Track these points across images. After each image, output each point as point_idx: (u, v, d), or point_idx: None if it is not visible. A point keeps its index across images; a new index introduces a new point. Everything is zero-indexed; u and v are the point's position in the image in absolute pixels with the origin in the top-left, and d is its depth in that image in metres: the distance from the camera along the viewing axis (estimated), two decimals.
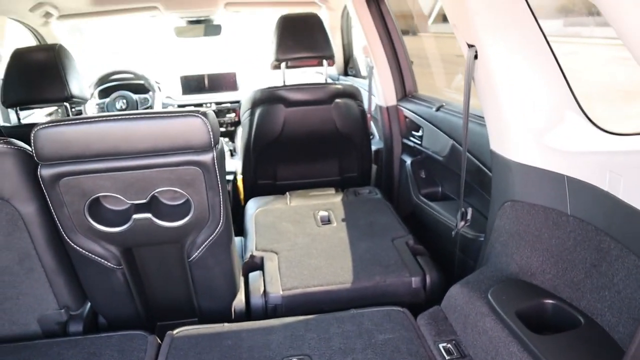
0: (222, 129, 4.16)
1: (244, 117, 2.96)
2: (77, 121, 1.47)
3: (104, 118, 1.49)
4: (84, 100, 2.70)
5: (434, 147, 2.63)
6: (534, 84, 1.56)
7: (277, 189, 3.00)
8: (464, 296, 1.64)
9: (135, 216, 1.62)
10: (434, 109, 2.62)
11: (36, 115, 3.66)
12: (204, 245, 1.73)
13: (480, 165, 2.11)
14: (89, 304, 1.87)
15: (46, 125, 1.46)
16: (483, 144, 2.07)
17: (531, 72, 1.55)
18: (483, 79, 1.66)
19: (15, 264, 1.66)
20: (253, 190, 3.04)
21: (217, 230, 1.70)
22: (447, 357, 1.54)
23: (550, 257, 1.52)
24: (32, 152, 1.49)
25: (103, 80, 4.05)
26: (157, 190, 1.59)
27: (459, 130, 2.34)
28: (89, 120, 1.48)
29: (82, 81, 2.67)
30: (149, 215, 1.62)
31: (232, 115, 4.19)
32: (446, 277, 2.04)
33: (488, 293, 1.55)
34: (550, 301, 1.46)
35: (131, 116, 1.50)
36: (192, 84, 4.21)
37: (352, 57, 4.33)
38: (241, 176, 3.20)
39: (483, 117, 2.11)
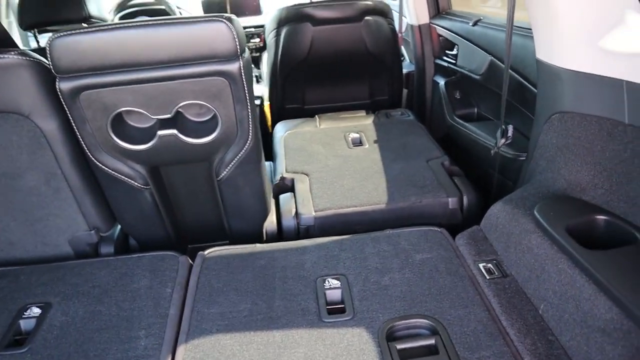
0: None
1: (269, 38, 2.84)
2: (94, 29, 1.39)
3: (122, 25, 1.40)
4: (103, 22, 2.61)
5: (470, 66, 2.48)
6: None
7: (306, 113, 2.91)
8: (506, 214, 1.56)
9: (160, 132, 1.55)
10: (470, 24, 2.46)
11: None
12: (232, 163, 1.66)
13: (523, 81, 1.97)
14: (119, 226, 1.85)
15: (62, 34, 1.37)
16: (526, 57, 1.94)
17: None
18: None
19: (42, 184, 1.63)
20: (280, 116, 2.96)
21: (245, 146, 1.63)
22: (487, 277, 1.48)
23: (602, 171, 1.42)
24: (49, 65, 1.42)
25: (122, 5, 3.92)
26: (181, 104, 1.51)
27: (499, 44, 2.19)
28: (106, 27, 1.39)
29: (100, 1, 2.57)
30: (174, 131, 1.55)
31: (257, 40, 4.05)
32: (484, 198, 1.96)
33: (534, 210, 1.47)
34: (602, 217, 1.37)
35: (151, 23, 1.41)
36: (214, 8, 4.06)
37: None
38: (268, 102, 3.11)
39: (525, 28, 1.97)
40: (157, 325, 1.39)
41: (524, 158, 1.87)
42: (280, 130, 2.60)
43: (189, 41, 1.41)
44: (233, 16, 1.45)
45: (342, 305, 1.42)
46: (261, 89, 3.37)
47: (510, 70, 2.02)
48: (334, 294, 1.46)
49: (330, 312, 1.39)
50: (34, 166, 1.59)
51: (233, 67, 1.46)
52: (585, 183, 1.46)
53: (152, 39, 1.40)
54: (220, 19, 1.40)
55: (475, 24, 2.43)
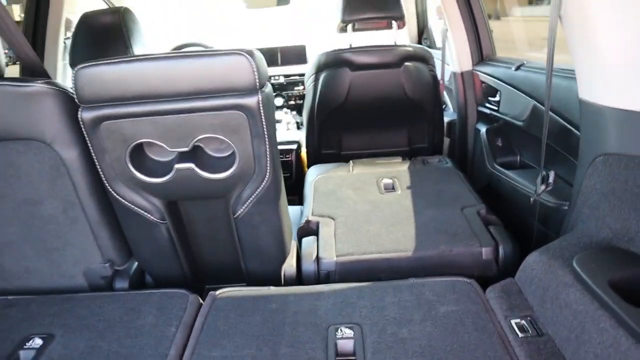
0: (291, 102, 4.01)
1: (308, 83, 2.82)
2: (116, 61, 1.38)
3: (143, 57, 1.39)
4: None
5: (513, 112, 2.36)
6: (636, 12, 1.29)
7: (342, 159, 2.83)
8: (543, 265, 1.40)
9: (177, 166, 1.51)
10: (513, 69, 2.35)
11: None
12: (249, 201, 1.59)
13: (565, 124, 1.84)
14: (136, 262, 1.80)
15: (87, 65, 1.39)
16: (569, 99, 1.81)
17: None
18: (573, 14, 1.40)
19: (60, 213, 1.61)
20: (317, 161, 2.90)
21: (263, 183, 1.56)
22: (520, 335, 1.32)
23: None
24: (73, 94, 1.42)
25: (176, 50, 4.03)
26: (199, 137, 1.47)
27: (541, 87, 2.07)
28: (128, 59, 1.39)
29: (147, 46, 2.63)
30: (191, 165, 1.51)
31: (301, 87, 4.06)
32: (522, 250, 1.80)
33: (573, 261, 1.31)
34: None
35: (171, 55, 1.39)
36: (265, 58, 4.11)
37: (426, 27, 4.08)
38: (305, 148, 3.06)
39: (569, 70, 1.85)
40: None
41: (567, 207, 1.72)
42: (313, 174, 2.53)
43: (208, 74, 1.39)
44: (255, 50, 1.42)
45: (353, 358, 1.29)
46: (300, 135, 3.34)
47: (553, 114, 1.89)
48: (346, 345, 1.33)
49: None
50: (53, 194, 1.58)
51: (252, 101, 1.42)
52: (633, 232, 1.30)
53: (172, 71, 1.39)
54: (240, 53, 1.37)
55: (517, 68, 2.33)
